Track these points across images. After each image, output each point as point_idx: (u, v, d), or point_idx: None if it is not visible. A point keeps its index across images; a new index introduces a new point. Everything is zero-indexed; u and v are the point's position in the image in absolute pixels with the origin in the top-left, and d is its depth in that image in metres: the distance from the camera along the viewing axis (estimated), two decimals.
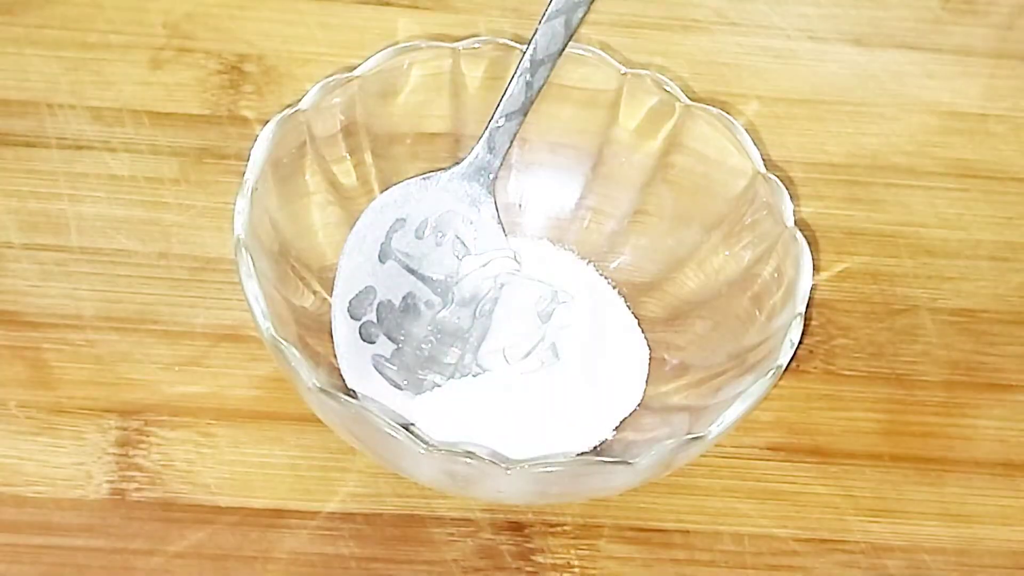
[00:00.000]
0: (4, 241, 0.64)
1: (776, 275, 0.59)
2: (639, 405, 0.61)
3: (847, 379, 0.64)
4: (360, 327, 0.60)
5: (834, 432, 0.62)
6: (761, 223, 0.60)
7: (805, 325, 0.58)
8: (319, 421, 0.57)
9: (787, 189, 0.60)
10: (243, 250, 0.56)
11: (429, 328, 0.62)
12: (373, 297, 0.61)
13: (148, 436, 0.60)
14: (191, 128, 0.68)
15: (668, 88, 0.62)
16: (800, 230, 0.59)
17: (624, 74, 0.63)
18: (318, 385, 0.54)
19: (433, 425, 0.59)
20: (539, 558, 0.58)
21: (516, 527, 0.59)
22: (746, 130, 0.61)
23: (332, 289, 0.60)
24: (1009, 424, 0.63)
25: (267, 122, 0.59)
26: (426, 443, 0.53)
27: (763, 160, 0.61)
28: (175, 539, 0.58)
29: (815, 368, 0.64)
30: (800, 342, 0.57)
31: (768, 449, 0.62)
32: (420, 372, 0.61)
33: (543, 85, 0.62)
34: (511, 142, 0.62)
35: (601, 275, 0.64)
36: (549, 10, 0.61)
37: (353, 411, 0.54)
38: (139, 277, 0.63)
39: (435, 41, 0.63)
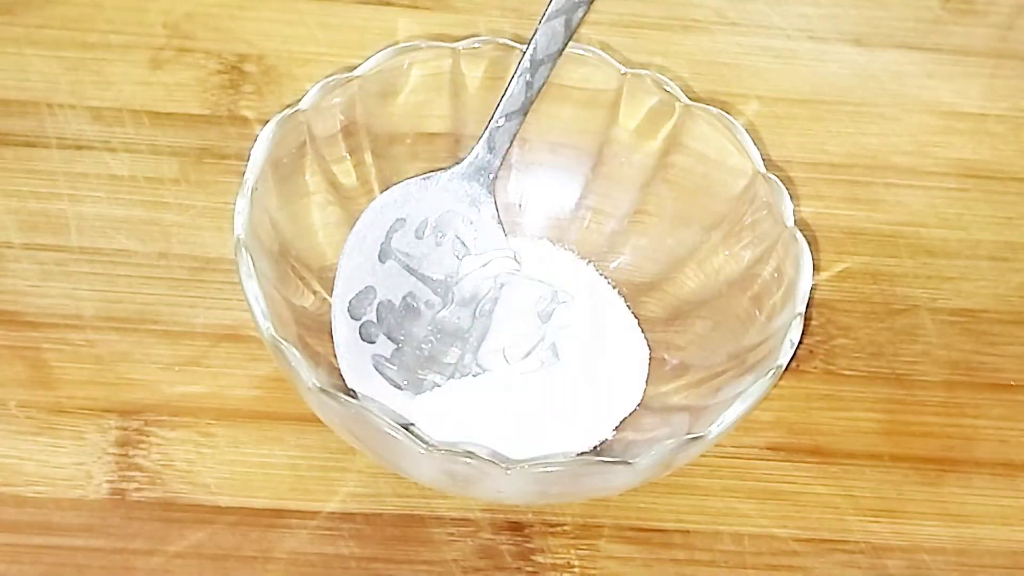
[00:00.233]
0: (4, 241, 0.64)
1: (776, 275, 0.59)
2: (639, 405, 0.61)
3: (847, 379, 0.64)
4: (360, 327, 0.60)
5: (834, 432, 0.62)
6: (761, 223, 0.60)
7: (805, 325, 0.58)
8: (319, 421, 0.57)
9: (787, 189, 0.60)
10: (243, 250, 0.56)
11: (429, 328, 0.62)
12: (373, 297, 0.61)
13: (148, 436, 0.60)
14: (191, 128, 0.68)
15: (668, 88, 0.62)
16: (800, 230, 0.59)
17: (624, 74, 0.63)
18: (318, 385, 0.54)
19: (433, 425, 0.59)
20: (539, 558, 0.58)
21: (516, 527, 0.59)
22: (746, 130, 0.61)
23: (332, 289, 0.60)
24: (1009, 424, 0.63)
25: (267, 122, 0.59)
26: (426, 443, 0.53)
27: (763, 160, 0.61)
28: (175, 539, 0.58)
29: (815, 368, 0.64)
30: (800, 342, 0.57)
31: (768, 449, 0.62)
32: (420, 372, 0.61)
33: (543, 85, 0.62)
34: (511, 142, 0.62)
35: (601, 275, 0.64)
36: (549, 10, 0.61)
37: (353, 411, 0.54)
38: (139, 277, 0.63)
39: (435, 41, 0.63)
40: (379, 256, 0.61)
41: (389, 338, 0.61)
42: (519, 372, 0.60)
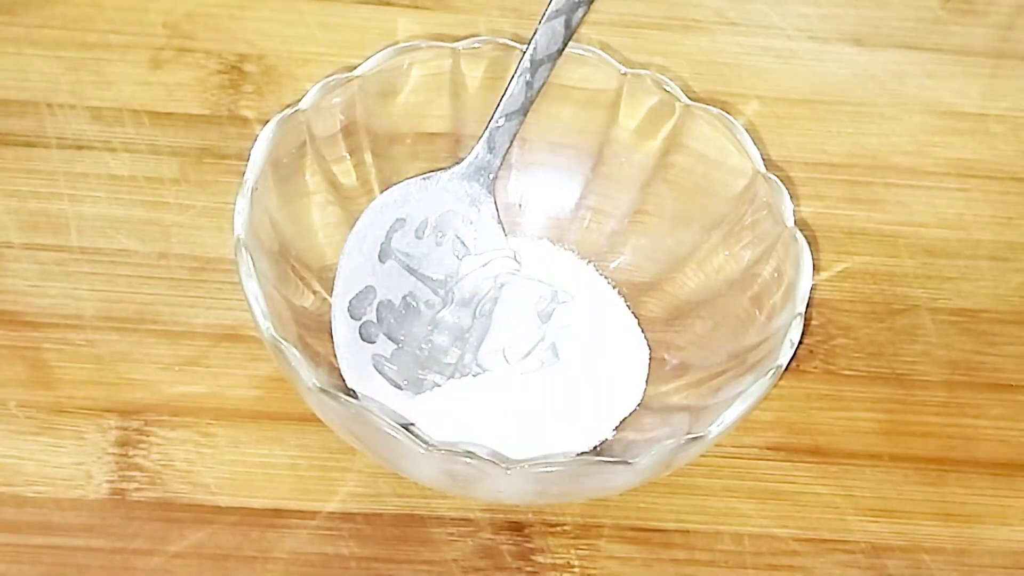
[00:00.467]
0: (4, 241, 0.64)
1: (776, 275, 0.59)
2: (639, 405, 0.61)
3: (847, 379, 0.64)
4: (360, 327, 0.60)
5: (834, 432, 0.62)
6: (761, 223, 0.60)
7: (805, 325, 0.58)
8: (319, 421, 0.57)
9: (787, 189, 0.60)
10: (243, 250, 0.56)
11: (429, 328, 0.62)
12: (373, 297, 0.61)
13: (148, 436, 0.60)
14: (191, 128, 0.68)
15: (668, 88, 0.62)
16: (800, 230, 0.59)
17: (624, 74, 0.63)
18: (318, 385, 0.54)
19: (433, 425, 0.59)
20: (539, 558, 0.58)
21: (516, 527, 0.59)
22: (746, 130, 0.61)
23: (332, 289, 0.60)
24: (1009, 424, 0.63)
25: (267, 122, 0.59)
26: (426, 443, 0.53)
27: (763, 160, 0.61)
28: (175, 539, 0.58)
29: (815, 368, 0.64)
30: (800, 342, 0.57)
31: (768, 449, 0.62)
32: (420, 372, 0.61)
33: (543, 85, 0.62)
34: (511, 142, 0.62)
35: (601, 275, 0.64)
36: (549, 10, 0.61)
37: (353, 411, 0.54)
38: (139, 277, 0.63)
39: (435, 41, 0.63)
40: (379, 256, 0.61)
41: (389, 338, 0.61)
42: (519, 372, 0.60)
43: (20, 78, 0.68)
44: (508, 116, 0.62)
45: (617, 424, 0.60)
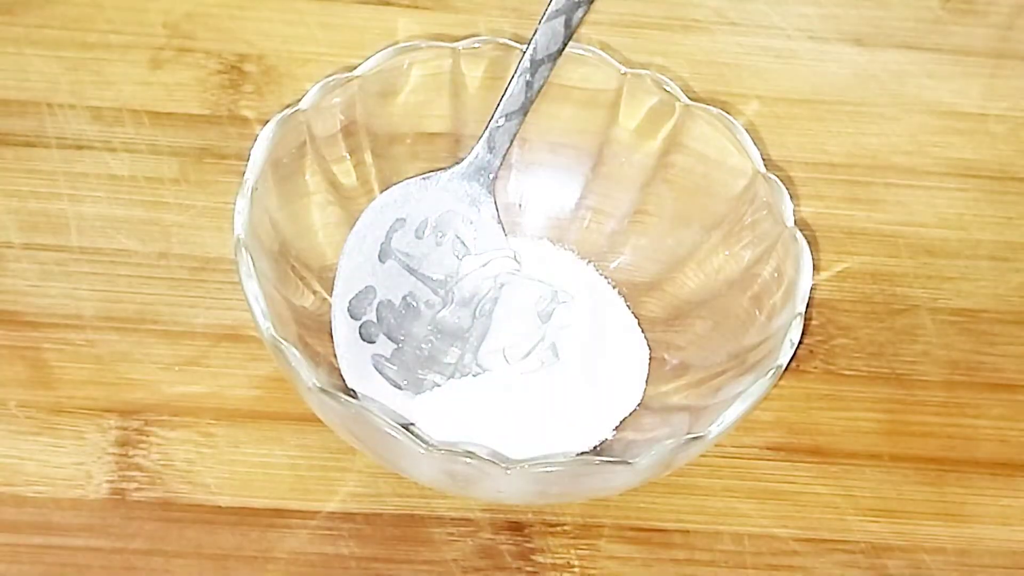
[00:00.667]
0: (4, 241, 0.64)
1: (776, 275, 0.59)
2: (639, 405, 0.61)
3: (847, 379, 0.64)
4: (360, 327, 0.60)
5: (834, 432, 0.62)
6: (761, 223, 0.60)
7: (805, 325, 0.58)
8: (319, 421, 0.57)
9: (787, 189, 0.60)
10: (243, 250, 0.56)
11: (429, 328, 0.62)
12: (373, 297, 0.61)
13: (148, 436, 0.60)
14: (191, 128, 0.68)
15: (668, 88, 0.62)
16: (800, 230, 0.59)
17: (624, 74, 0.63)
18: (318, 385, 0.54)
19: (433, 425, 0.59)
20: (539, 558, 0.58)
21: (516, 527, 0.59)
22: (746, 130, 0.61)
23: (332, 289, 0.60)
24: (1009, 424, 0.63)
25: (267, 122, 0.59)
26: (426, 443, 0.53)
27: (763, 160, 0.61)
28: (175, 539, 0.58)
29: (815, 368, 0.64)
30: (800, 342, 0.57)
31: (768, 449, 0.62)
32: (420, 372, 0.61)
33: (543, 85, 0.62)
34: (511, 142, 0.62)
35: (601, 275, 0.64)
36: (549, 10, 0.61)
37: (353, 411, 0.54)
38: (139, 277, 0.63)
39: (435, 41, 0.63)
40: (379, 256, 0.61)
41: (389, 338, 0.61)
42: (519, 372, 0.60)
43: (20, 78, 0.68)
44: (508, 116, 0.62)
45: (617, 424, 0.60)
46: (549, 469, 0.54)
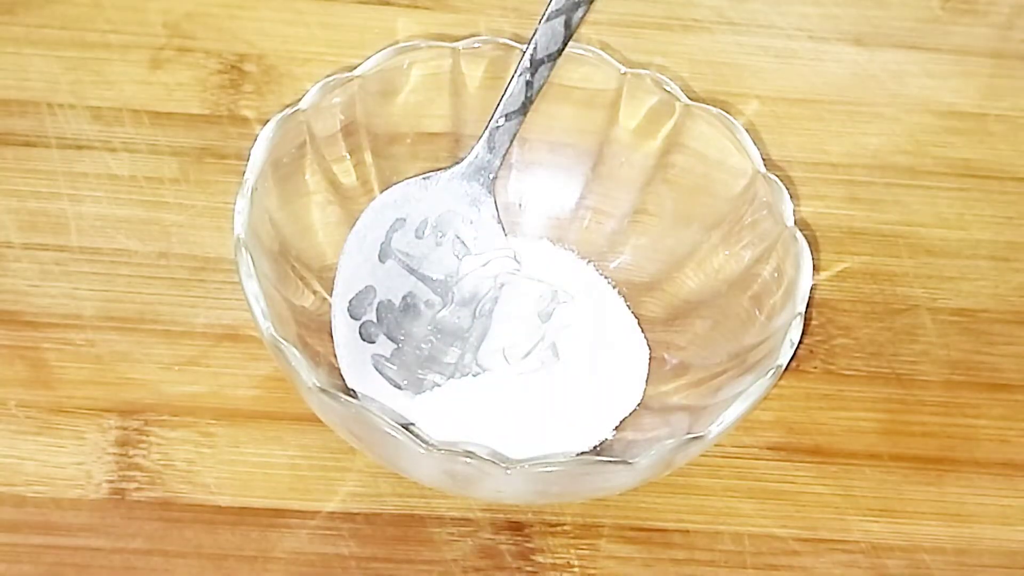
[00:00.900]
0: (4, 241, 0.64)
1: (776, 275, 0.59)
2: (639, 405, 0.61)
3: (847, 379, 0.64)
4: (360, 327, 0.60)
5: (834, 432, 0.62)
6: (761, 223, 0.60)
7: (805, 325, 0.58)
8: (319, 421, 0.57)
9: (787, 189, 0.60)
10: (243, 250, 0.56)
11: (429, 328, 0.62)
12: (373, 297, 0.61)
13: (148, 436, 0.60)
14: (191, 128, 0.68)
15: (668, 88, 0.62)
16: (800, 230, 0.59)
17: (624, 74, 0.63)
18: (318, 385, 0.54)
19: (433, 425, 0.59)
20: (539, 558, 0.58)
21: (516, 527, 0.59)
22: (746, 130, 0.61)
23: (332, 289, 0.60)
24: (1009, 424, 0.63)
25: (267, 122, 0.59)
26: (426, 443, 0.53)
27: (763, 160, 0.61)
28: (175, 539, 0.58)
29: (815, 368, 0.64)
30: (800, 342, 0.57)
31: (768, 449, 0.62)
32: (420, 372, 0.61)
33: (543, 85, 0.62)
34: (511, 142, 0.62)
35: (601, 275, 0.64)
36: (549, 10, 0.61)
37: (353, 411, 0.54)
38: (139, 277, 0.63)
39: (435, 41, 0.63)
40: (379, 256, 0.61)
41: (389, 338, 0.61)
42: (519, 372, 0.60)
43: (20, 78, 0.68)
44: (508, 116, 0.62)
45: (617, 424, 0.60)
46: (549, 469, 0.54)
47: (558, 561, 0.58)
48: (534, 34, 0.61)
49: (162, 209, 0.65)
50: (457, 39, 0.63)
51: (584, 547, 0.59)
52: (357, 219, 0.61)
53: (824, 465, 0.62)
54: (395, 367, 0.60)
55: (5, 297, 0.62)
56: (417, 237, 0.62)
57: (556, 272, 0.63)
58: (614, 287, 0.64)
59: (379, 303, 0.61)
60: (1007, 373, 0.65)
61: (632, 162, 0.64)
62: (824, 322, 0.65)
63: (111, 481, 0.59)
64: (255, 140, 0.59)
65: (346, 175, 0.62)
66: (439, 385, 0.60)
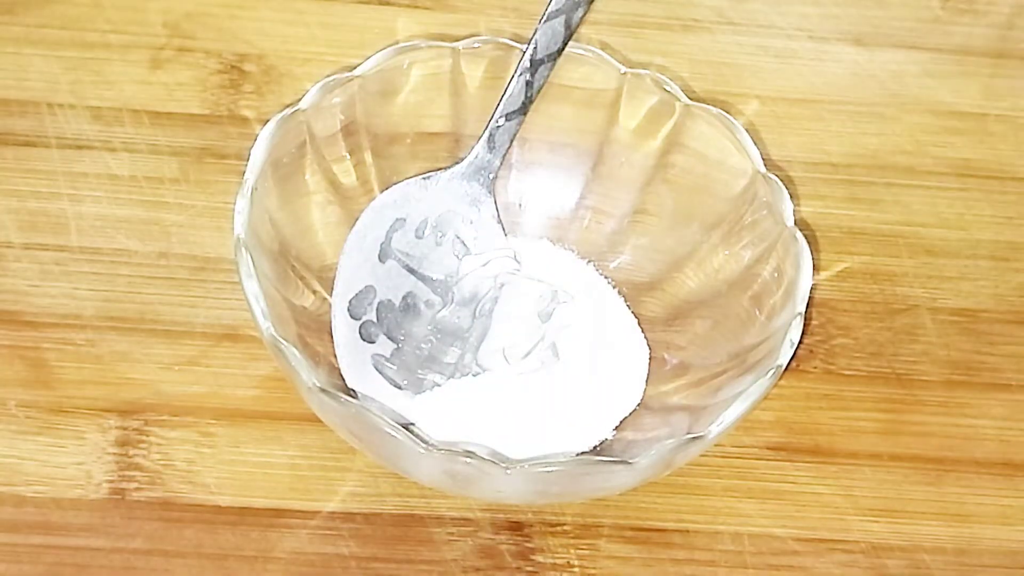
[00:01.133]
0: (4, 241, 0.64)
1: (776, 275, 0.59)
2: (639, 405, 0.61)
3: (847, 379, 0.64)
4: (360, 327, 0.60)
5: (834, 432, 0.62)
6: (761, 223, 0.60)
7: (805, 325, 0.58)
8: (319, 421, 0.57)
9: (787, 189, 0.60)
10: (243, 250, 0.56)
11: (429, 328, 0.62)
12: (373, 297, 0.61)
13: (148, 436, 0.60)
14: (191, 128, 0.68)
15: (668, 88, 0.62)
16: (800, 230, 0.59)
17: (624, 74, 0.63)
18: (318, 385, 0.54)
19: (433, 425, 0.59)
20: (539, 558, 0.58)
21: (516, 527, 0.59)
22: (746, 130, 0.61)
23: (332, 289, 0.60)
24: (1009, 424, 0.63)
25: (267, 122, 0.59)
26: (426, 443, 0.53)
27: (763, 160, 0.61)
28: (175, 539, 0.58)
29: (815, 368, 0.64)
30: (800, 342, 0.57)
31: (768, 449, 0.62)
32: (420, 372, 0.61)
33: (543, 85, 0.62)
34: (511, 142, 0.62)
35: (601, 275, 0.64)
36: (549, 10, 0.61)
37: (353, 411, 0.54)
38: (139, 277, 0.63)
39: (435, 41, 0.63)
40: (379, 256, 0.61)
41: (389, 338, 0.61)
42: (519, 372, 0.60)
43: (20, 78, 0.68)
44: (508, 116, 0.62)
45: (617, 424, 0.60)
46: (549, 469, 0.54)
47: (558, 561, 0.58)
48: (534, 34, 0.61)
49: (162, 209, 0.65)
50: (457, 39, 0.63)
51: (584, 547, 0.59)
52: (357, 219, 0.61)
53: (824, 465, 0.62)
54: (395, 367, 0.60)
55: (5, 297, 0.62)
56: (417, 237, 0.62)
57: (556, 272, 0.63)
58: (614, 287, 0.64)
59: (379, 303, 0.61)
60: (1007, 373, 0.65)
61: (632, 162, 0.64)
62: (824, 322, 0.65)
63: (111, 481, 0.59)
64: (255, 140, 0.59)
65: (346, 175, 0.62)
66: (439, 385, 0.60)
